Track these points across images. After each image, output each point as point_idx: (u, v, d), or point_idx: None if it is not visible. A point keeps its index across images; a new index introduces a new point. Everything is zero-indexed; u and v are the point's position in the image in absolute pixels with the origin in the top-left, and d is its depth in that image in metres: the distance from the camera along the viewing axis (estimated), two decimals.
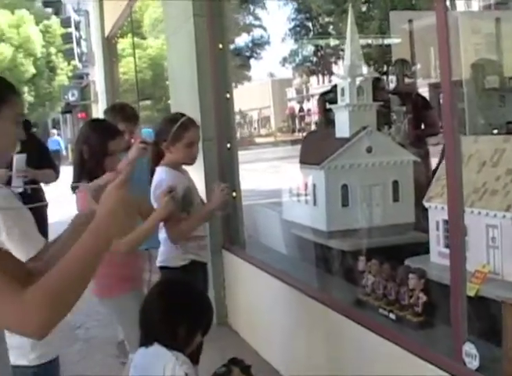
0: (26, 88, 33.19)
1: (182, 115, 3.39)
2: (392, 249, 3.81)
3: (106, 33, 11.42)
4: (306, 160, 4.51)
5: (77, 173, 3.08)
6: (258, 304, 4.58)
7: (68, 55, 17.12)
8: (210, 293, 5.28)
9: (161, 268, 3.34)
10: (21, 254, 1.80)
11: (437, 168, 3.67)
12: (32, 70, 33.29)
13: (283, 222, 4.84)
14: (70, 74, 34.18)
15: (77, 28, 16.10)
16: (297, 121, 20.56)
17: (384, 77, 8.47)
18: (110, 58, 11.69)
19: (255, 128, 23.98)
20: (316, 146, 4.53)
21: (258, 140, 21.44)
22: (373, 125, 4.15)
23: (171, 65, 6.25)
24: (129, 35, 11.81)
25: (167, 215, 3.10)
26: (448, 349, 2.56)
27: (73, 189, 2.96)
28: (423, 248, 3.42)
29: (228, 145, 5.23)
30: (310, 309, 3.68)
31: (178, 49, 5.81)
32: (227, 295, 5.33)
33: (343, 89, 4.19)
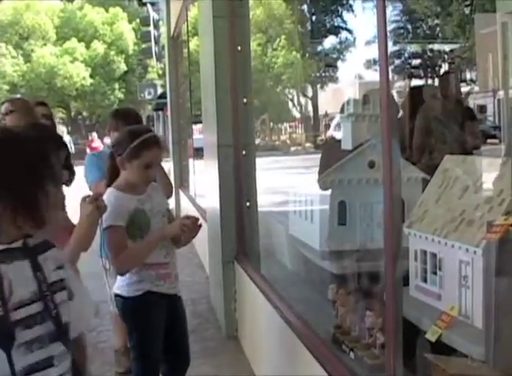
0: (117, 85, 34.06)
1: (148, 131, 3.05)
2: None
3: (171, 32, 11.43)
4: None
5: None
6: (259, 326, 4.28)
7: (146, 53, 17.15)
8: (220, 304, 5.09)
9: (115, 295, 3.02)
10: None
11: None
12: (123, 67, 34.12)
13: (289, 236, 4.55)
14: (160, 72, 34.78)
15: (156, 27, 16.16)
16: None
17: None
18: (175, 57, 11.70)
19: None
20: (324, 158, 4.22)
21: None
22: (379, 138, 3.80)
23: (201, 68, 6.07)
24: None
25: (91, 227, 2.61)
26: None
27: None
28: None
29: (244, 152, 4.98)
30: (294, 344, 3.30)
31: (202, 52, 5.62)
32: (238, 309, 5.08)
33: (349, 98, 3.89)
